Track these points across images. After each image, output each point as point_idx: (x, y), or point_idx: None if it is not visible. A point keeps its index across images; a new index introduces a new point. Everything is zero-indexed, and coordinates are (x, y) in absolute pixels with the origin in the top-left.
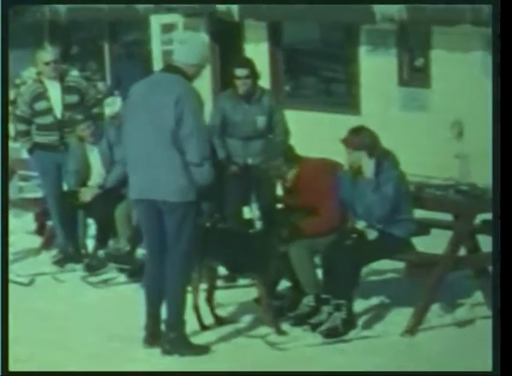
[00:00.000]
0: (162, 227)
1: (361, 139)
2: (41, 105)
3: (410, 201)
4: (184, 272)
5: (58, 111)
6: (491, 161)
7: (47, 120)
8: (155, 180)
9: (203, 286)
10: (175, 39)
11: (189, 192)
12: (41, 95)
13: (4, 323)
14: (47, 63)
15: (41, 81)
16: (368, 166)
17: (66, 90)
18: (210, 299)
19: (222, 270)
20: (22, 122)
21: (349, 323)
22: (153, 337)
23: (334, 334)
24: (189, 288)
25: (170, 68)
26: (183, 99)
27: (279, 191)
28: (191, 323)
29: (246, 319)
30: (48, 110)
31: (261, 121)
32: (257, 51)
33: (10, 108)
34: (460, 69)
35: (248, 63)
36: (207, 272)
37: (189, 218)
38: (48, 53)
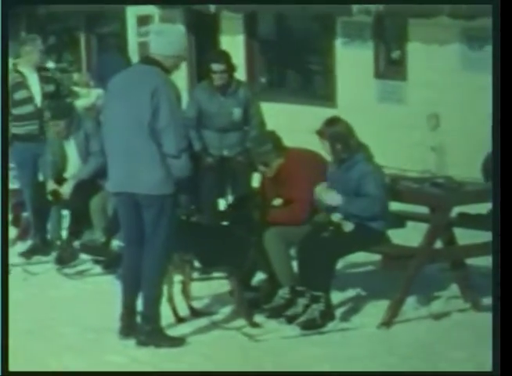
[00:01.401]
0: (140, 220)
1: (335, 129)
2: (20, 94)
3: (385, 192)
4: (161, 265)
5: (38, 100)
6: (471, 154)
7: (27, 109)
8: (133, 173)
9: (179, 278)
10: (152, 31)
11: (166, 185)
12: (21, 85)
13: (4, 323)
14: (27, 53)
15: (19, 70)
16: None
17: (44, 80)
18: (185, 291)
19: (197, 262)
20: None
21: (327, 315)
22: (128, 328)
23: (312, 325)
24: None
25: (147, 60)
26: (159, 91)
27: (255, 183)
28: (166, 315)
29: (222, 311)
30: (29, 99)
31: (236, 112)
32: (233, 43)
33: None
34: (437, 61)
35: (224, 58)
36: (181, 265)
37: (167, 210)
38: (26, 43)
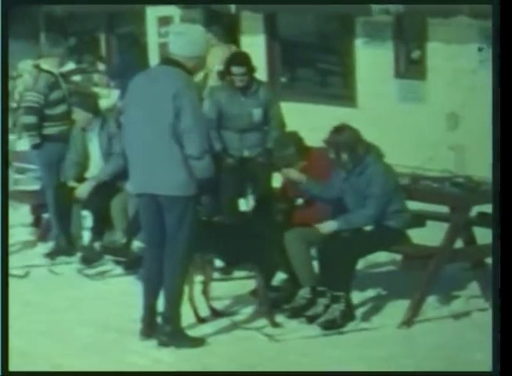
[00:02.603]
0: (162, 221)
1: (340, 138)
2: (57, 94)
3: (402, 193)
4: (182, 266)
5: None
6: (491, 154)
7: (60, 109)
8: (155, 174)
9: (199, 278)
10: (172, 32)
11: (189, 186)
12: (56, 84)
13: (4, 324)
14: (48, 55)
15: (50, 71)
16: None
17: (66, 81)
18: (206, 292)
19: (218, 263)
20: (33, 114)
21: (348, 315)
22: (149, 329)
23: (333, 326)
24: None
25: (168, 61)
26: (182, 93)
27: (276, 183)
28: (187, 316)
29: (243, 311)
30: (63, 99)
31: (257, 113)
32: (254, 43)
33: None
34: (456, 61)
35: (244, 60)
36: (202, 265)
37: (189, 212)
38: (49, 44)
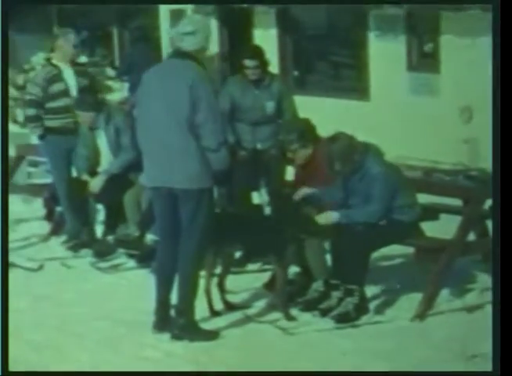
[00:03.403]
0: (176, 214)
1: (334, 147)
2: (56, 87)
3: (410, 186)
4: (197, 259)
5: (74, 93)
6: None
7: (62, 102)
8: (171, 167)
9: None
10: (181, 32)
11: (204, 178)
12: (57, 77)
13: (4, 324)
14: (61, 47)
15: (54, 64)
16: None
17: (79, 73)
18: (222, 285)
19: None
20: (32, 106)
21: (361, 308)
22: (162, 322)
23: (346, 319)
24: (202, 273)
25: (180, 54)
26: (197, 85)
27: (289, 176)
28: (201, 309)
29: (257, 304)
30: (65, 92)
31: (270, 106)
32: (266, 36)
33: (19, 93)
34: (469, 54)
35: (258, 53)
36: (223, 258)
37: (204, 204)
38: (62, 37)
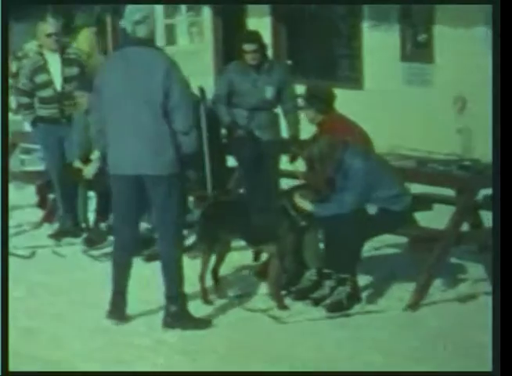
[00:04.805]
0: (141, 200)
1: (314, 149)
2: (41, 78)
3: (397, 176)
4: (177, 245)
5: (58, 84)
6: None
7: (47, 93)
8: (143, 154)
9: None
10: (131, 21)
11: (175, 164)
12: (42, 68)
13: (4, 324)
14: (48, 35)
15: (42, 53)
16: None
17: (67, 62)
18: (215, 273)
19: None
20: (23, 95)
21: (354, 297)
22: (118, 312)
23: (339, 308)
24: (199, 260)
25: (137, 41)
26: (170, 71)
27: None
28: (192, 298)
29: (249, 293)
30: (48, 83)
31: (269, 90)
32: (260, 25)
33: (12, 80)
34: (463, 44)
35: (256, 37)
36: (220, 246)
37: (176, 189)
38: (49, 25)
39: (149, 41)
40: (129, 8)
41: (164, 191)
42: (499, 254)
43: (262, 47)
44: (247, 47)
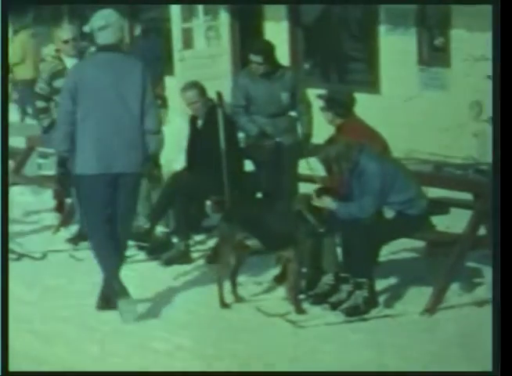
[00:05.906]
0: (113, 198)
1: (331, 149)
2: (59, 83)
3: (414, 180)
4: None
5: None
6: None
7: None
8: (120, 154)
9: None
10: (97, 27)
11: (141, 162)
12: (61, 73)
13: (4, 323)
14: (65, 41)
15: (60, 58)
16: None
17: None
18: (234, 277)
19: None
20: (41, 99)
21: (371, 301)
22: (107, 303)
23: (356, 312)
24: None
25: (108, 47)
26: (145, 76)
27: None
28: (212, 301)
29: (266, 297)
30: None
31: (285, 97)
32: (277, 29)
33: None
34: (480, 48)
35: (263, 49)
36: (238, 249)
37: (138, 187)
38: (66, 31)
39: (117, 47)
40: (95, 15)
41: (130, 189)
42: (500, 255)
43: (269, 58)
44: (254, 58)
